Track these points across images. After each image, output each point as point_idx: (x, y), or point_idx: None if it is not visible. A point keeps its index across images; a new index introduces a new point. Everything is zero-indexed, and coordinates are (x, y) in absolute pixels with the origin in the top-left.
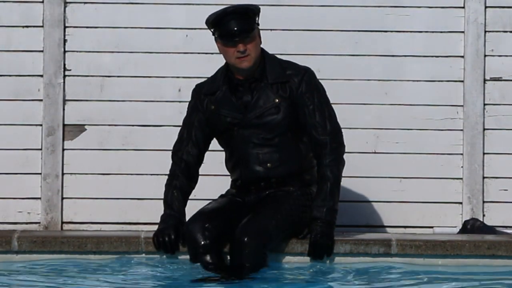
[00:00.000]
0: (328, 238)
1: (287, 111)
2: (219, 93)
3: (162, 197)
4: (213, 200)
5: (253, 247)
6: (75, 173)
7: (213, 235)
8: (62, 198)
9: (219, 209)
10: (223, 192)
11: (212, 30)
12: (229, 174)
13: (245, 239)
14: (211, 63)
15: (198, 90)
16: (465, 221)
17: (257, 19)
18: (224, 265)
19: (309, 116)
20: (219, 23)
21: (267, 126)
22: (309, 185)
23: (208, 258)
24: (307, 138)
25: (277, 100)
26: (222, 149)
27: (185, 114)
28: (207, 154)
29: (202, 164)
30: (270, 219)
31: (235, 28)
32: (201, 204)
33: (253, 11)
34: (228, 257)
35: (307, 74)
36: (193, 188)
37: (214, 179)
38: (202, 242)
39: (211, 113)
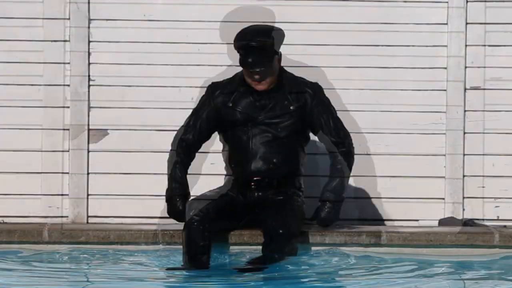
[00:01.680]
0: (335, 214)
1: (297, 116)
2: (236, 94)
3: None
4: (214, 200)
5: (287, 237)
6: (99, 173)
7: (212, 236)
8: (88, 195)
9: (219, 209)
10: (224, 192)
11: (236, 49)
12: (230, 174)
13: (280, 230)
14: (221, 75)
15: (214, 87)
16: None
17: (278, 46)
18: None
19: (325, 124)
20: (241, 49)
21: (277, 127)
22: (299, 189)
23: (205, 258)
24: (323, 141)
25: (291, 108)
26: (225, 148)
27: None
28: (211, 154)
29: (204, 164)
30: (289, 214)
31: (255, 61)
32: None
33: (273, 44)
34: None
35: (319, 88)
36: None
37: (215, 179)
38: (201, 243)
39: (227, 108)
